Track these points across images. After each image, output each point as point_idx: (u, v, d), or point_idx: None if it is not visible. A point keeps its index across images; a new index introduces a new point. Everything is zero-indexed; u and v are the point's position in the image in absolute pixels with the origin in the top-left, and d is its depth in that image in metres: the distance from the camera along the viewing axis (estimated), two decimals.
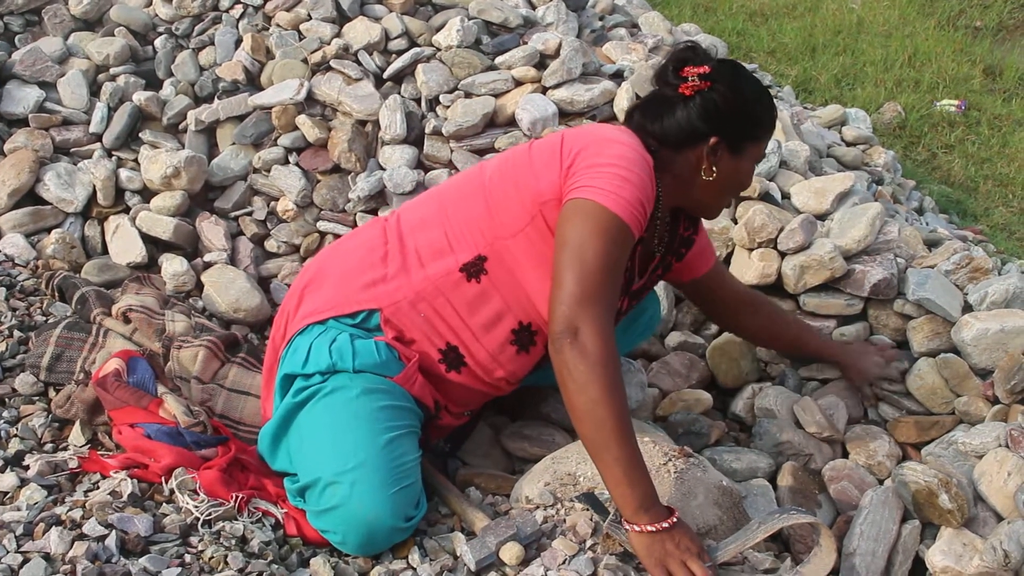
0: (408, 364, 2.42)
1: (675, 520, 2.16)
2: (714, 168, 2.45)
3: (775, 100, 4.89)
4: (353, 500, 2.21)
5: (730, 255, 3.57)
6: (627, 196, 2.26)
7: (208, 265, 3.73)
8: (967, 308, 3.31)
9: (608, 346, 2.16)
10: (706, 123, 2.42)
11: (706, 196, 2.54)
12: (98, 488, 2.41)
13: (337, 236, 3.82)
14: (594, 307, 2.18)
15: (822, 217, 3.65)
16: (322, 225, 3.90)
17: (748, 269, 3.46)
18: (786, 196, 3.78)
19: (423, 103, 4.04)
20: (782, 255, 3.44)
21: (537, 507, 2.40)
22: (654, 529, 2.14)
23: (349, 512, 2.21)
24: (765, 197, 3.66)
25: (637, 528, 2.15)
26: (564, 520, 2.34)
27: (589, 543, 2.27)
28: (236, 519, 2.32)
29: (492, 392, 2.59)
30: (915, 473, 2.77)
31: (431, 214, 2.50)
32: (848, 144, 5.04)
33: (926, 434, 3.19)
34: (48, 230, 3.77)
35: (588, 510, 2.32)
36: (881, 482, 2.99)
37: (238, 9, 4.33)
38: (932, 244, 3.83)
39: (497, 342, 2.46)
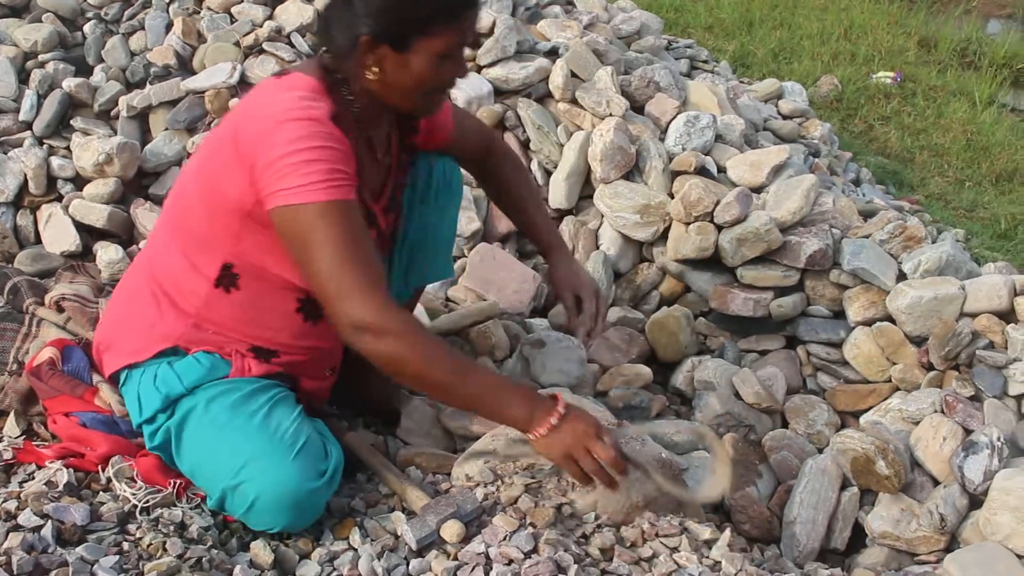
0: (232, 359, 2.37)
1: (562, 411, 2.17)
2: (375, 68, 2.25)
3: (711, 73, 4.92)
4: (260, 488, 2.18)
5: (667, 229, 3.58)
6: (318, 176, 2.14)
7: None
8: (902, 277, 3.35)
9: (387, 316, 2.13)
10: (352, 18, 2.23)
11: (391, 98, 2.32)
12: (33, 479, 2.38)
13: None
14: (358, 296, 2.13)
15: (758, 190, 3.68)
16: None
17: (685, 243, 3.47)
18: (722, 170, 3.80)
19: None
20: (719, 228, 3.46)
21: (477, 484, 2.40)
22: (545, 430, 2.15)
23: (263, 501, 2.19)
24: (701, 171, 3.68)
25: (532, 436, 2.17)
26: (503, 497, 2.35)
27: (529, 520, 2.28)
28: (175, 505, 2.30)
29: (327, 349, 2.53)
30: (852, 440, 2.81)
31: (163, 238, 2.45)
32: (785, 117, 5.08)
33: (863, 402, 3.24)
34: None
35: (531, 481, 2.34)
36: (820, 451, 3.03)
37: None
38: (868, 215, 3.87)
39: (290, 328, 2.41)
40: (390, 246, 2.54)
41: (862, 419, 3.12)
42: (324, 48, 2.31)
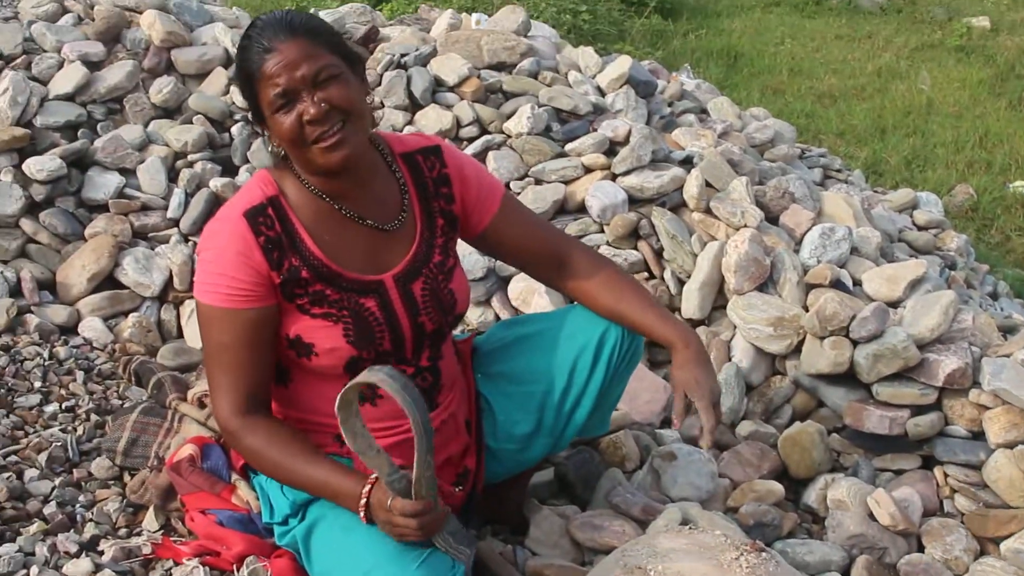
0: (354, 461, 2.37)
1: (366, 493, 2.16)
2: (274, 145, 2.31)
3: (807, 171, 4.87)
4: None
5: (801, 343, 3.54)
6: (207, 279, 2.26)
7: None
8: None
9: (232, 421, 2.28)
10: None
11: (297, 163, 2.33)
12: (171, 575, 2.43)
13: None
14: (216, 399, 2.31)
15: (895, 304, 3.63)
16: None
17: (819, 357, 3.43)
18: (857, 283, 3.76)
19: None
20: (854, 343, 3.41)
21: None
22: (361, 515, 2.17)
23: None
24: (836, 284, 3.65)
25: (365, 520, 2.18)
26: None
27: None
28: None
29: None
30: (993, 569, 2.74)
31: None
32: (920, 228, 5.01)
33: (1004, 528, 3.14)
34: (125, 314, 3.84)
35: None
36: None
37: None
38: (1008, 330, 3.79)
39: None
40: (437, 316, 2.45)
41: (1003, 546, 3.03)
42: None
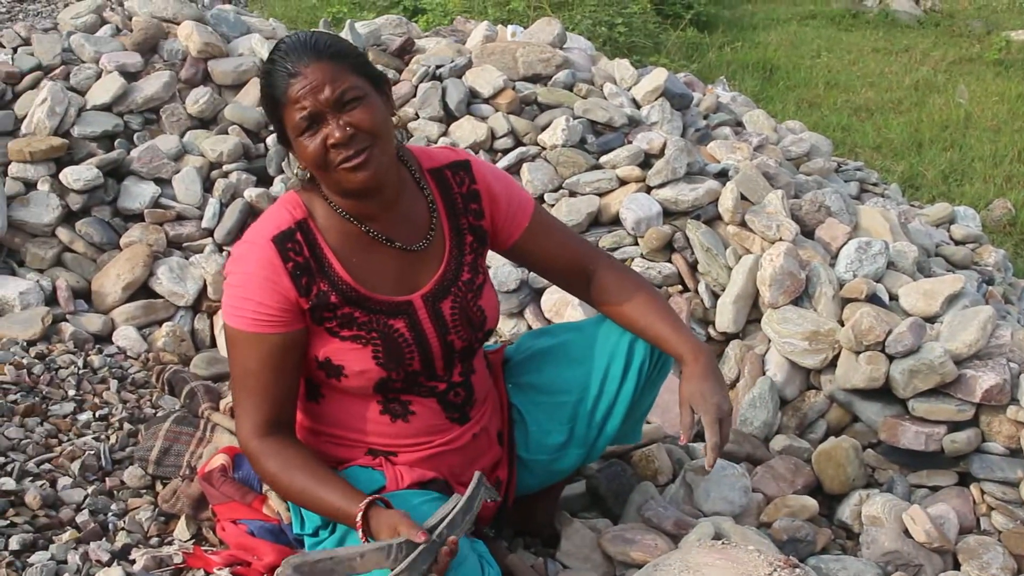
0: (385, 470, 2.39)
1: (359, 520, 2.15)
2: (300, 169, 2.33)
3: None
4: None
5: (836, 358, 3.52)
6: (234, 302, 2.26)
7: None
8: None
9: (252, 444, 2.29)
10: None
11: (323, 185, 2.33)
12: None
13: None
14: (240, 422, 2.33)
15: (931, 319, 3.59)
16: None
17: (855, 372, 3.40)
18: (894, 298, 3.73)
19: None
20: (890, 358, 3.39)
21: None
22: (360, 535, 2.15)
23: None
24: (872, 299, 3.62)
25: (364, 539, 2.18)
26: None
27: None
28: None
29: (446, 441, 2.49)
30: None
31: None
32: (957, 243, 4.96)
33: None
34: (159, 323, 3.86)
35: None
36: None
37: None
38: None
39: (386, 429, 2.42)
40: (467, 334, 2.45)
41: None
42: None
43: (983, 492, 3.30)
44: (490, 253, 2.58)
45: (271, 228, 2.28)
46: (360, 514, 2.14)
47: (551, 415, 2.64)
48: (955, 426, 3.33)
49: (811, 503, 3.15)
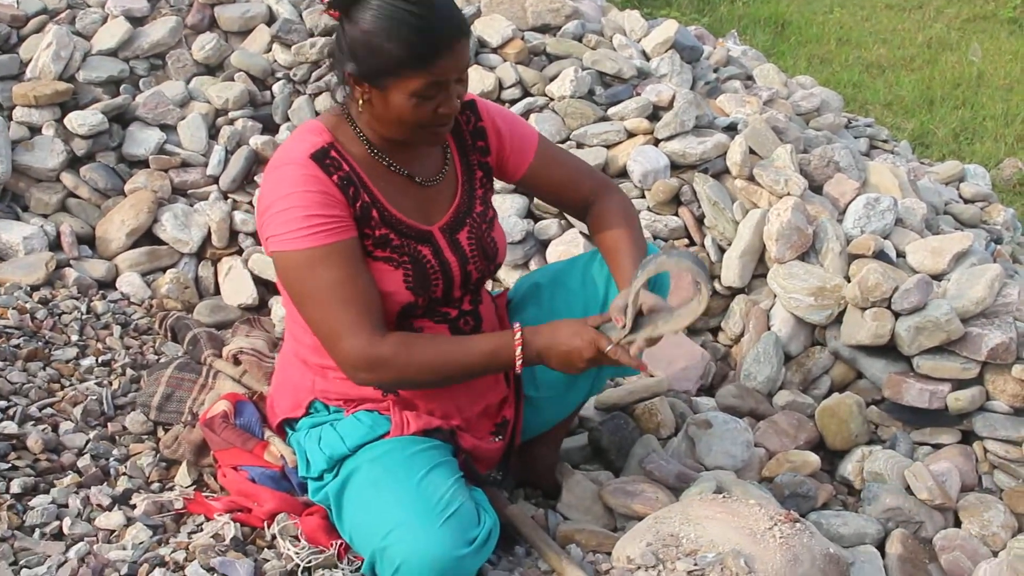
0: (392, 415, 2.41)
1: (518, 356, 2.26)
2: (361, 100, 2.29)
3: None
4: (405, 554, 2.16)
5: (841, 314, 3.50)
6: (296, 224, 2.22)
7: None
8: None
9: (374, 349, 2.23)
10: (341, 55, 2.27)
11: (381, 128, 2.33)
12: (202, 530, 2.44)
13: None
14: (346, 338, 2.24)
15: (938, 277, 3.58)
16: None
17: (860, 329, 3.39)
18: (901, 255, 3.71)
19: None
20: (896, 315, 3.38)
21: (638, 568, 2.36)
22: (520, 365, 2.27)
23: (408, 566, 2.16)
24: (880, 255, 3.60)
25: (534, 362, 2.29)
26: None
27: None
28: (336, 567, 2.32)
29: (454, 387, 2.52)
30: None
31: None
32: (966, 201, 4.93)
33: None
34: (163, 270, 3.85)
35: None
36: (995, 554, 2.91)
37: None
38: None
39: None
40: (482, 265, 2.52)
41: None
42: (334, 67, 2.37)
43: (986, 450, 3.30)
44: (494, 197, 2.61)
45: (306, 148, 2.29)
46: (519, 334, 2.26)
47: None
48: (959, 384, 3.33)
49: (813, 459, 3.15)
